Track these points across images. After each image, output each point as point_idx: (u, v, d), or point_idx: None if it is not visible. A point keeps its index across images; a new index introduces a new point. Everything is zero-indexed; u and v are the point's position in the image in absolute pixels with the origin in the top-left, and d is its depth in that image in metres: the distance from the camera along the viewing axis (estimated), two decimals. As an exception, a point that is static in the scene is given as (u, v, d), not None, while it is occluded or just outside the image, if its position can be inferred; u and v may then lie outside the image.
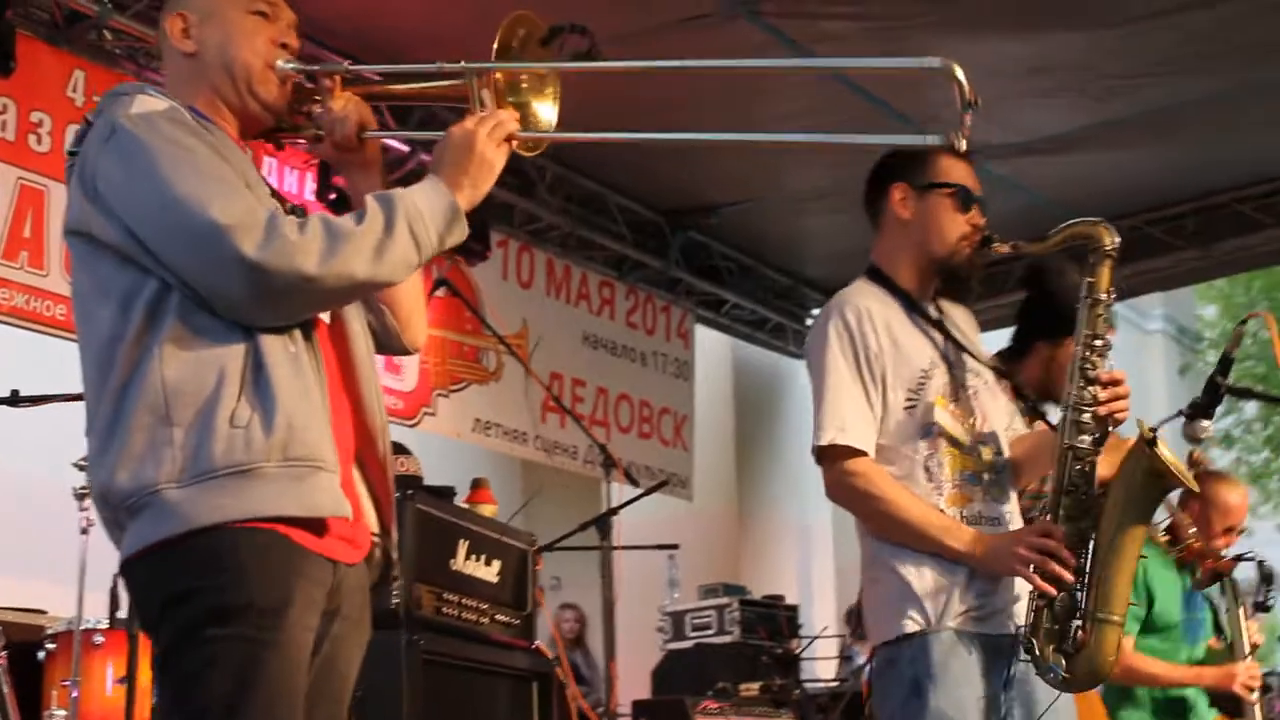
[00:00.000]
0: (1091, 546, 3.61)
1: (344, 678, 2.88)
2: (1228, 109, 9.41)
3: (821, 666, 11.82)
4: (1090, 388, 3.64)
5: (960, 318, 4.06)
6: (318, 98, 3.02)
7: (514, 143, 2.88)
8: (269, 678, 2.59)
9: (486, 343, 9.86)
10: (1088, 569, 3.60)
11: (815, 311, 13.24)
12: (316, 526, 2.70)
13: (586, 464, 10.55)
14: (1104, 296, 3.69)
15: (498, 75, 2.90)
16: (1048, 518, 3.65)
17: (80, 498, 6.11)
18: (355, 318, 3.02)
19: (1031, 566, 3.58)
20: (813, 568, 14.15)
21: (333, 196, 3.28)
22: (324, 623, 2.77)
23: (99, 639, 6.03)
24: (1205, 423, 4.03)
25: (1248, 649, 5.82)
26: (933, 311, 3.97)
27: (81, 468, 6.12)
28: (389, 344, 3.17)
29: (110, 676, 5.99)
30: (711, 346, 12.85)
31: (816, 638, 10.54)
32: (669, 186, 10.69)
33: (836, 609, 13.52)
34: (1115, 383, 3.66)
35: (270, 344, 2.72)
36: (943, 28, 8.24)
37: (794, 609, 10.36)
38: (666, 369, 11.76)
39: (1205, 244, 11.37)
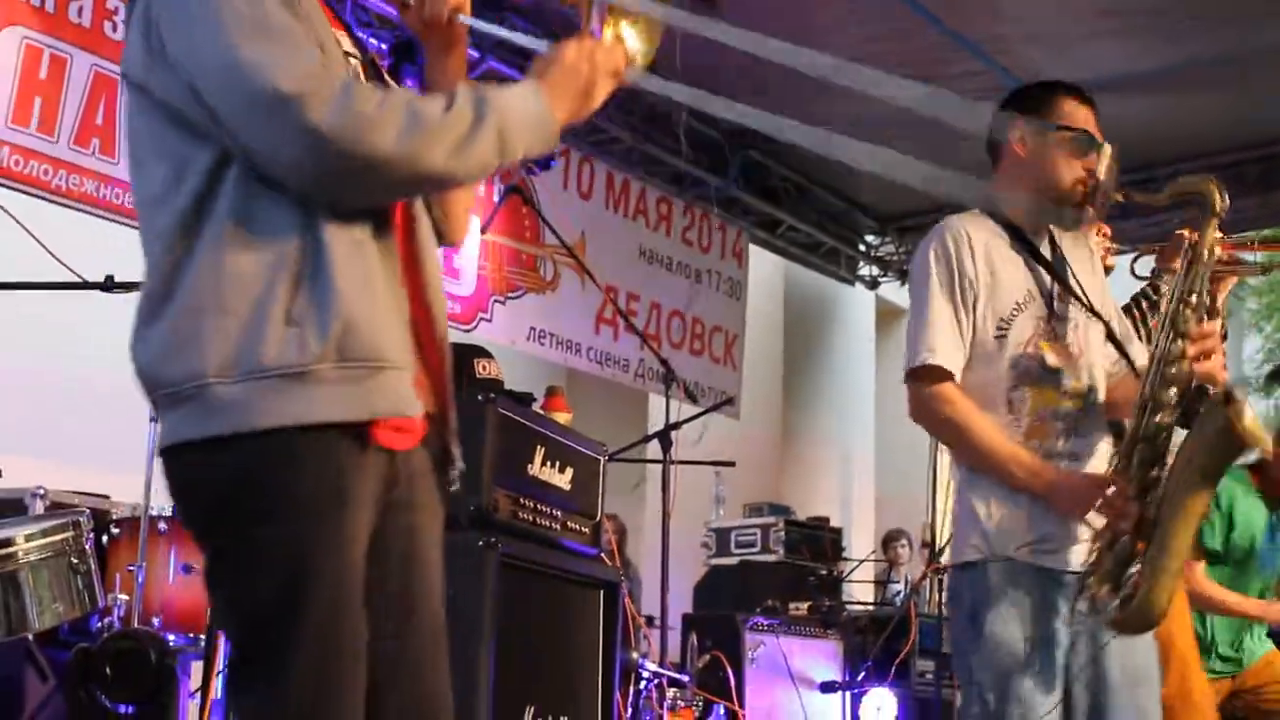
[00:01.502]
0: (1160, 496, 3.60)
1: (431, 566, 2.75)
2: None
3: (859, 590, 11.90)
4: (1179, 341, 3.63)
5: (1080, 256, 4.05)
6: None
7: (619, 80, 2.75)
8: (324, 581, 2.47)
9: (544, 251, 9.87)
10: (1153, 518, 3.60)
11: (869, 238, 13.22)
12: (372, 425, 2.56)
13: (638, 377, 10.57)
14: (1205, 256, 3.68)
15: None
16: (1119, 463, 3.66)
17: (151, 386, 6.15)
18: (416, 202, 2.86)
19: (1090, 513, 3.62)
20: (854, 493, 14.20)
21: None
22: (395, 514, 2.65)
23: (163, 526, 6.07)
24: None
25: None
26: (1045, 248, 3.97)
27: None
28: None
29: (174, 563, 6.03)
30: (764, 267, 12.85)
31: (862, 561, 10.59)
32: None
33: (875, 535, 13.58)
34: (1205, 336, 3.65)
35: (333, 226, 2.54)
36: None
37: (839, 531, 10.40)
38: (720, 287, 11.77)
39: (1266, 190, 11.30)
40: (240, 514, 2.49)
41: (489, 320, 9.47)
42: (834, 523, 10.83)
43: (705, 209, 11.57)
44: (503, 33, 3.16)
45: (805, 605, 8.94)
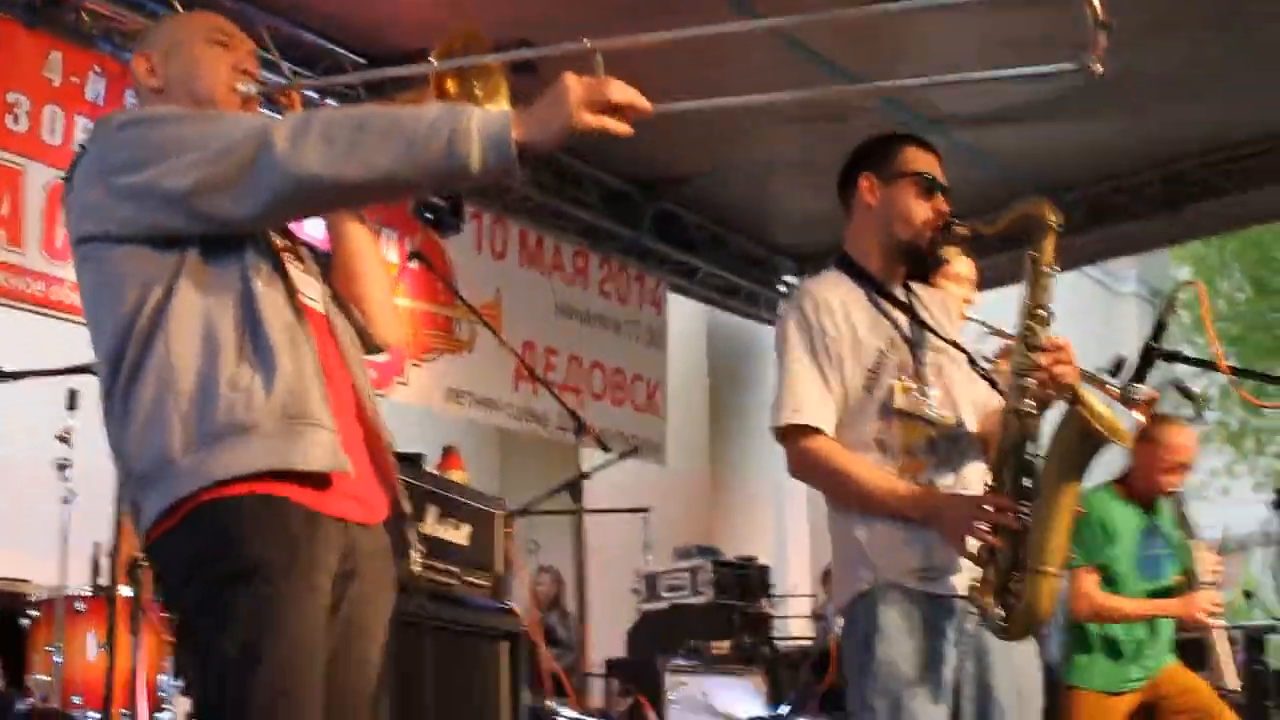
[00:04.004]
0: (1033, 503, 3.75)
1: (369, 638, 2.96)
2: (1189, 77, 9.54)
3: (796, 625, 12.03)
4: (1033, 354, 3.78)
5: (933, 299, 4.22)
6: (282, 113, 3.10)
7: (611, 119, 2.73)
8: (286, 630, 2.69)
9: (459, 313, 9.97)
10: (1028, 525, 3.74)
11: (787, 278, 13.39)
12: (319, 482, 2.79)
13: (559, 430, 10.69)
14: (1046, 269, 3.84)
15: (448, 86, 2.92)
16: (993, 479, 3.79)
17: (61, 469, 6.27)
18: (336, 313, 3.12)
19: (977, 531, 3.71)
20: (788, 529, 14.30)
21: None
22: (341, 584, 2.86)
23: (81, 606, 6.14)
24: (1139, 386, 4.18)
25: (1205, 578, 6.03)
26: (900, 294, 4.12)
27: (63, 440, 6.28)
28: (359, 342, 3.21)
29: (93, 642, 6.08)
30: (686, 314, 12.97)
31: (787, 596, 10.72)
32: (640, 157, 10.78)
33: (812, 569, 13.69)
34: (1057, 348, 3.83)
35: (268, 311, 2.83)
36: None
37: (766, 569, 10.51)
38: (639, 336, 11.89)
39: (1173, 208, 11.50)
40: (204, 585, 2.72)
41: (405, 384, 9.56)
42: (769, 560, 10.95)
43: (622, 260, 11.71)
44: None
45: (728, 644, 9.08)
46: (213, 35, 3.15)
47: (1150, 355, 4.16)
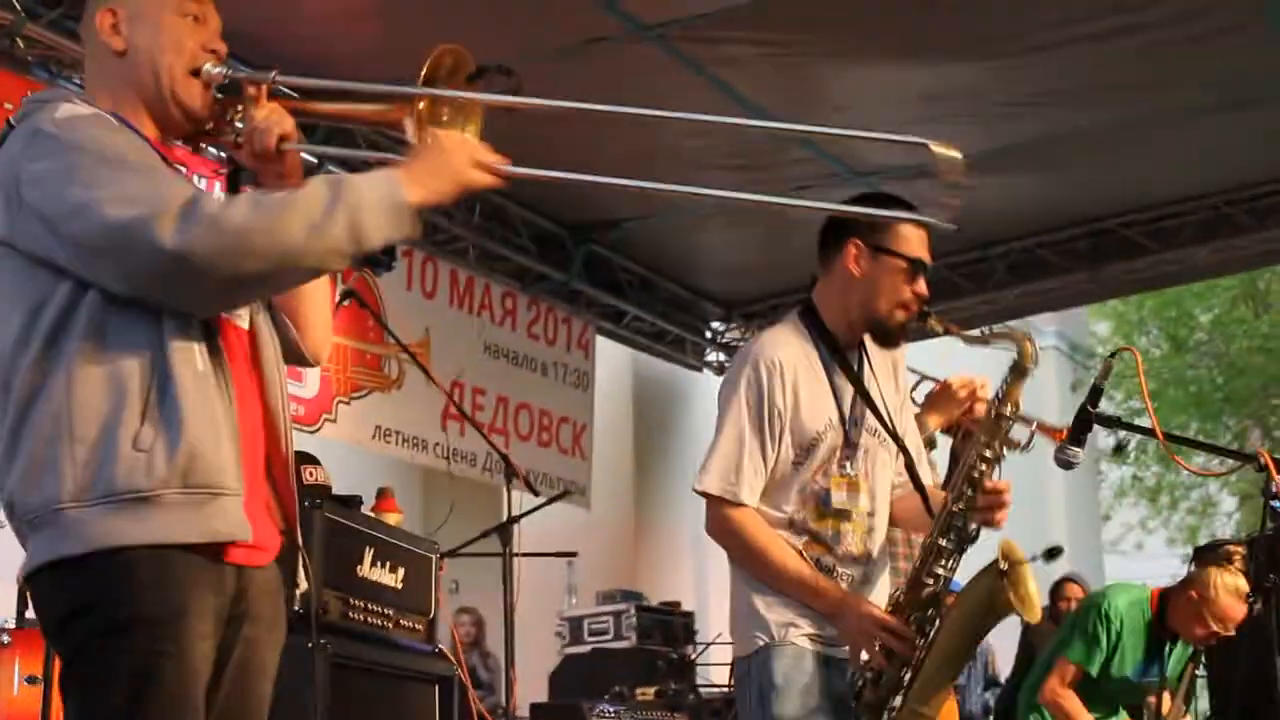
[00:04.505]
0: (929, 640, 3.83)
1: (262, 676, 2.93)
2: (1113, 138, 9.66)
3: (717, 672, 12.03)
4: (971, 492, 3.84)
5: (884, 367, 4.25)
6: (241, 106, 2.99)
7: (486, 171, 2.81)
8: (165, 687, 2.65)
9: (389, 351, 9.95)
10: (919, 660, 3.82)
11: (714, 324, 13.44)
12: (214, 548, 2.75)
13: (486, 471, 10.67)
14: (1008, 411, 3.89)
15: (420, 106, 2.86)
16: (901, 598, 3.88)
17: (-11, 500, 6.20)
18: (264, 323, 3.03)
19: (871, 647, 3.82)
20: (709, 576, 14.30)
21: None
22: (234, 627, 2.83)
23: (6, 639, 6.09)
24: (1076, 449, 4.23)
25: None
26: (853, 358, 4.16)
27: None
28: (289, 355, 3.14)
29: (18, 676, 6.05)
30: (612, 358, 12.99)
31: (711, 644, 10.72)
32: (571, 201, 10.81)
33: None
34: (997, 493, 3.86)
35: (178, 360, 2.72)
36: (838, 56, 8.49)
37: (689, 615, 10.55)
38: (567, 379, 11.89)
39: (1094, 266, 11.64)
40: (89, 627, 2.66)
41: (333, 421, 9.53)
42: (691, 605, 10.98)
43: (550, 303, 11.73)
44: (335, 152, 3.27)
45: (653, 690, 9.08)
46: (184, 6, 3.01)
47: (1087, 420, 4.21)
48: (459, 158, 2.78)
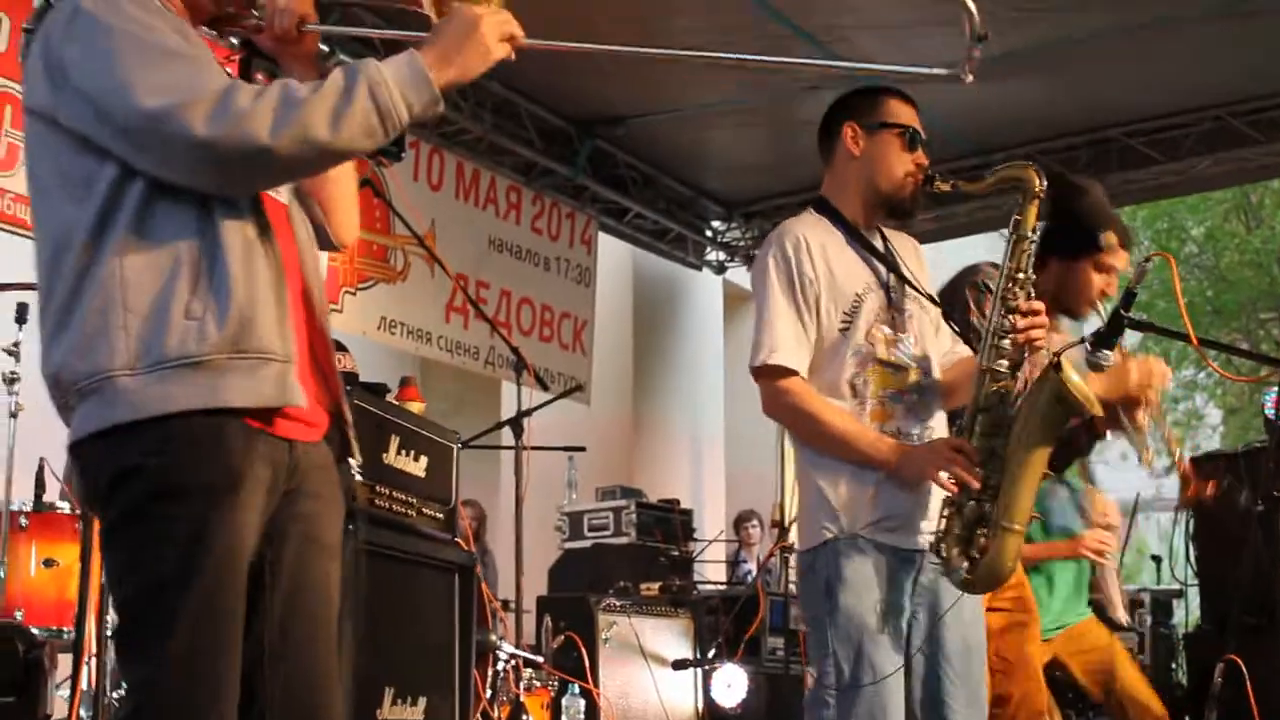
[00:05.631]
0: (1002, 461, 3.83)
1: (328, 554, 2.96)
2: (1115, 46, 9.65)
3: (711, 570, 12.12)
4: (1010, 316, 3.85)
5: (906, 248, 4.28)
6: None
7: (514, 44, 2.83)
8: (215, 552, 2.68)
9: (394, 242, 9.93)
10: (996, 482, 3.83)
11: (715, 224, 13.42)
12: (268, 413, 2.78)
13: (488, 365, 10.70)
14: (1029, 234, 3.91)
15: None
16: (964, 431, 3.88)
17: (9, 382, 6.20)
18: (296, 206, 3.06)
19: (943, 474, 3.83)
20: (704, 475, 14.39)
21: None
22: (290, 501, 2.85)
23: (24, 521, 6.12)
24: (1107, 352, 4.25)
25: (1097, 519, 6.14)
26: (877, 241, 4.19)
27: (10, 353, 6.20)
28: (317, 239, 3.18)
29: (35, 558, 6.07)
30: (613, 254, 12.97)
31: (712, 541, 10.79)
32: (579, 96, 10.78)
33: (726, 516, 13.77)
34: (1034, 312, 3.89)
35: (228, 233, 2.76)
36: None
37: (689, 513, 10.57)
38: (569, 274, 11.90)
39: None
40: (141, 489, 2.68)
41: (339, 311, 9.51)
42: (686, 504, 11.03)
43: (554, 198, 11.70)
44: (354, 31, 3.27)
45: (656, 586, 9.13)
46: None
47: (1119, 322, 4.22)
48: (483, 31, 2.79)
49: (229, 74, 2.87)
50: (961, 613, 4.00)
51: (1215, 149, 11.32)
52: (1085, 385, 3.84)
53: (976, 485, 3.80)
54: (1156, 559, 11.73)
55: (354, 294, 9.72)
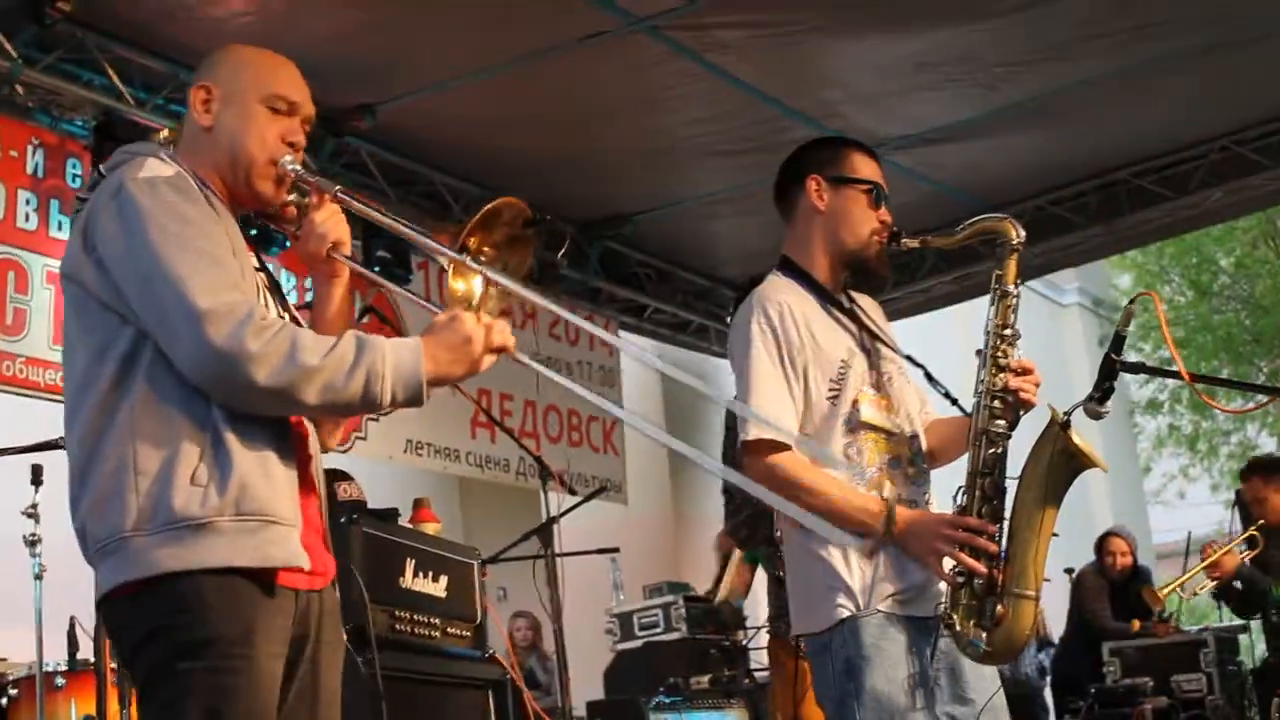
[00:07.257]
0: (1006, 526, 3.77)
1: (330, 693, 3.08)
2: (1111, 89, 9.62)
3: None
4: (1002, 375, 3.80)
5: (869, 308, 4.21)
6: (309, 197, 3.18)
7: (502, 354, 3.09)
8: (240, 702, 2.79)
9: (413, 364, 9.92)
10: (1003, 548, 3.76)
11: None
12: (274, 570, 2.90)
13: (519, 476, 10.69)
14: (1012, 289, 3.86)
15: (470, 241, 3.04)
16: (964, 499, 3.80)
17: (31, 544, 6.23)
18: None
19: (951, 551, 3.75)
20: (749, 562, 14.27)
21: None
22: (298, 648, 2.98)
23: (60, 681, 6.13)
24: (1103, 410, 4.19)
25: None
26: (845, 302, 4.12)
27: (30, 515, 6.23)
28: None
29: (75, 716, 6.08)
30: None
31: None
32: (581, 199, 10.81)
33: (778, 600, 13.64)
34: (1026, 370, 3.84)
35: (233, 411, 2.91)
36: (828, 31, 8.47)
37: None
38: (592, 377, 11.90)
39: (1109, 219, 11.59)
40: (163, 649, 2.82)
41: (364, 438, 9.54)
42: (736, 593, 10.94)
43: (571, 302, 11.69)
44: (370, 276, 3.39)
45: (708, 678, 9.07)
46: (272, 99, 3.20)
47: (1111, 367, 4.17)
48: (475, 348, 3.01)
49: (245, 296, 2.97)
50: (982, 672, 3.91)
51: (1225, 179, 11.23)
52: (1085, 441, 3.80)
53: (982, 570, 3.73)
54: (1217, 597, 11.60)
55: (376, 420, 9.72)
